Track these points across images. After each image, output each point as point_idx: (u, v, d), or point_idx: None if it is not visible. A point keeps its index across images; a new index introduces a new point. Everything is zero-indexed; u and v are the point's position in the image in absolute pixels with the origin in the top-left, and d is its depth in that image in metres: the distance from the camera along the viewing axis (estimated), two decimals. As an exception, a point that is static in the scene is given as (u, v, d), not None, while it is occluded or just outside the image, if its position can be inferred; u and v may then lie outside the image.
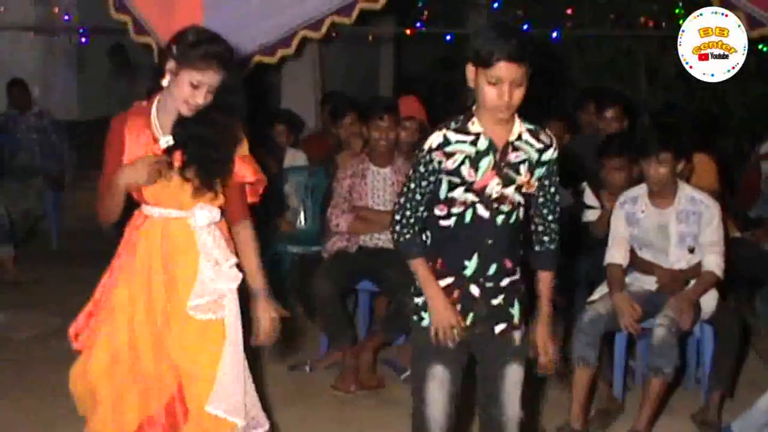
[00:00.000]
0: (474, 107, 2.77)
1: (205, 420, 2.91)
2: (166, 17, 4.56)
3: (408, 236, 2.85)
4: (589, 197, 5.05)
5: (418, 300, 2.90)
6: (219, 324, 2.94)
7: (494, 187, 2.76)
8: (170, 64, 2.81)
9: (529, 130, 2.80)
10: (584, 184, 5.09)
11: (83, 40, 8.50)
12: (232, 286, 2.95)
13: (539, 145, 2.80)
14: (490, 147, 2.75)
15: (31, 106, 7.84)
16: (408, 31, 8.21)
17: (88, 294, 3.14)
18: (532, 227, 2.90)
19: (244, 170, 2.98)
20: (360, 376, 4.64)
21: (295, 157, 6.14)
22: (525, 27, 8.06)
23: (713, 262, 4.16)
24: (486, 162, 2.75)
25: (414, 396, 2.93)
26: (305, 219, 5.97)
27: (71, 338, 3.05)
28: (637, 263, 4.34)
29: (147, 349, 2.94)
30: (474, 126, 2.76)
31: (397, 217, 2.85)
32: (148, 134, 2.91)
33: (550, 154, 2.81)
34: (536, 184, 2.82)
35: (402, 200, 2.85)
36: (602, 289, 4.36)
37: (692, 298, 4.14)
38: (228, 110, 2.88)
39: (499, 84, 2.64)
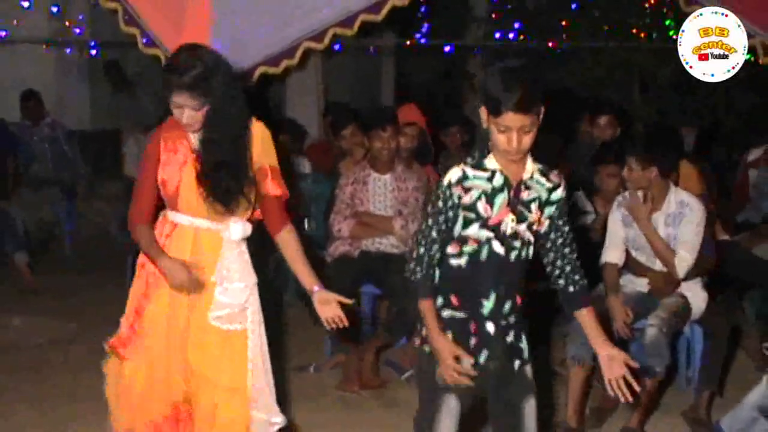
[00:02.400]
0: (490, 143, 2.79)
1: (225, 426, 3.04)
2: (174, 30, 4.61)
3: (419, 275, 2.83)
4: (583, 203, 5.17)
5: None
6: (242, 334, 3.06)
7: (509, 224, 2.79)
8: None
9: (540, 170, 2.83)
10: (579, 191, 5.20)
11: (93, 52, 8.66)
12: (241, 301, 3.04)
13: (549, 185, 2.83)
14: (506, 184, 2.78)
15: (45, 117, 7.96)
16: (408, 43, 8.30)
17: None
18: (557, 271, 2.88)
19: (271, 184, 3.07)
20: (363, 376, 4.75)
21: (299, 165, 6.25)
22: (522, 39, 8.20)
23: (682, 258, 4.22)
24: (501, 198, 2.78)
25: (422, 424, 2.93)
26: (309, 225, 6.09)
27: (115, 348, 3.14)
28: (630, 264, 4.44)
29: (162, 357, 3.06)
30: (490, 163, 2.79)
31: (413, 254, 2.85)
32: (185, 144, 3.01)
33: (559, 194, 2.85)
34: (547, 222, 2.84)
35: (418, 237, 2.84)
36: (596, 292, 4.48)
37: (648, 229, 4.25)
38: (227, 124, 2.95)
39: (507, 131, 2.67)
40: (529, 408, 2.91)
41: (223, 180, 2.97)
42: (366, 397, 4.68)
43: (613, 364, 2.79)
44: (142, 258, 3.13)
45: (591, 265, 4.57)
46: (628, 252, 4.44)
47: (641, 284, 4.42)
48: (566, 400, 4.19)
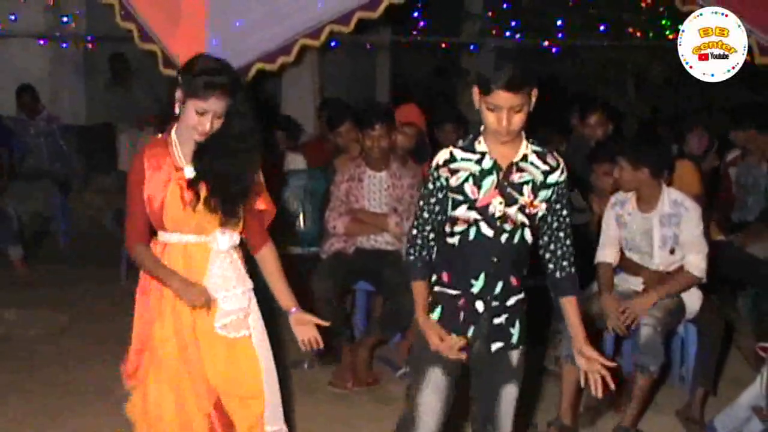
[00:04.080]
0: (482, 127, 2.80)
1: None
2: (171, 26, 4.63)
3: (411, 257, 2.90)
4: (578, 201, 5.17)
5: None
6: (248, 340, 3.05)
7: (497, 206, 2.78)
8: (179, 93, 2.92)
9: (536, 152, 2.81)
10: (574, 190, 5.20)
11: (90, 47, 8.65)
12: (244, 305, 3.04)
13: (545, 167, 2.80)
14: (494, 167, 2.77)
15: (40, 111, 7.97)
16: (404, 40, 8.31)
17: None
18: (548, 255, 2.88)
19: (257, 199, 3.06)
20: (357, 373, 4.76)
21: (294, 161, 6.25)
22: (517, 36, 8.21)
23: (693, 263, 4.24)
24: (489, 181, 2.78)
25: (407, 398, 2.94)
26: (304, 221, 6.08)
27: (125, 377, 3.10)
28: (624, 264, 4.45)
29: (182, 374, 3.02)
30: (480, 145, 2.79)
31: (409, 235, 2.92)
32: (169, 162, 2.98)
33: (556, 177, 2.81)
34: (543, 206, 2.82)
35: (413, 219, 2.91)
36: (591, 289, 4.49)
37: (660, 296, 4.21)
38: (242, 135, 2.95)
39: (497, 110, 2.67)
40: (507, 394, 2.90)
41: (226, 188, 2.96)
42: (359, 392, 4.69)
43: (587, 362, 2.84)
44: (141, 282, 3.10)
45: (586, 264, 4.61)
46: (622, 251, 4.45)
47: (635, 283, 4.43)
48: (560, 398, 4.18)
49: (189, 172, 2.98)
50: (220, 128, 2.92)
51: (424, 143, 5.66)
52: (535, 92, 2.71)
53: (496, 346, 2.88)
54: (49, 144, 7.91)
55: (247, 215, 3.07)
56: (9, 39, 8.46)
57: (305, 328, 3.09)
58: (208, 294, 2.95)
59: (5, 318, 5.73)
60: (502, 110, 2.66)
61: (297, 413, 4.24)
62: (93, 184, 8.61)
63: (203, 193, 2.96)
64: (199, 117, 2.89)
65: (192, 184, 2.97)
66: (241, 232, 3.09)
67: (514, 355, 2.91)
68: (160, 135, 3.05)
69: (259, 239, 3.13)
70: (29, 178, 7.68)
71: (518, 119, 2.69)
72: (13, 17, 8.33)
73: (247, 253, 3.17)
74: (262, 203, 3.09)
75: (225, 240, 3.02)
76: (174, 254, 3.03)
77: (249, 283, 3.10)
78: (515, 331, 2.90)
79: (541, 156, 2.82)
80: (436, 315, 2.89)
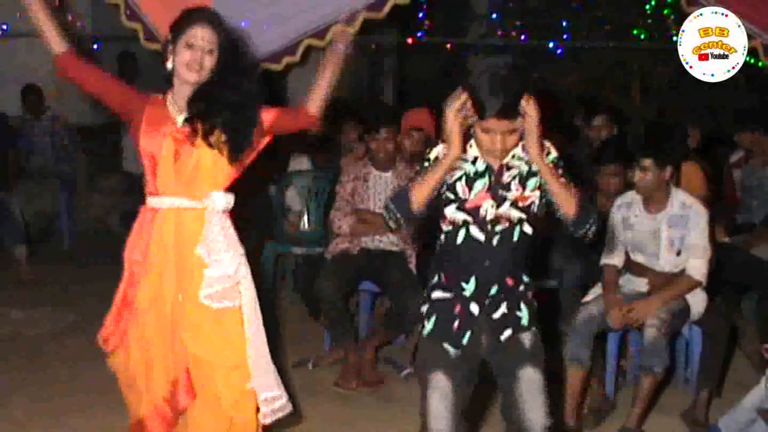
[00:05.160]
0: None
1: (230, 405, 3.00)
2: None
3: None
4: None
5: (423, 308, 2.94)
6: (236, 311, 3.01)
7: (488, 209, 2.81)
8: (170, 47, 2.96)
9: (522, 146, 2.82)
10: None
11: (95, 46, 8.64)
12: (230, 272, 2.98)
13: (527, 157, 2.81)
14: (487, 170, 2.82)
15: (46, 111, 7.99)
16: (410, 41, 8.30)
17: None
18: None
19: (276, 114, 3.04)
20: (361, 373, 4.76)
21: (299, 162, 6.25)
22: (522, 38, 8.20)
23: (694, 267, 4.23)
24: (481, 183, 2.82)
25: (421, 406, 2.93)
26: (309, 221, 6.09)
27: (102, 343, 3.10)
28: (630, 265, 4.45)
29: (153, 337, 3.00)
30: (472, 149, 2.83)
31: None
32: (167, 122, 2.98)
33: None
34: (536, 194, 2.81)
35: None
36: (595, 291, 4.47)
37: (664, 300, 4.20)
38: (237, 70, 2.97)
39: (491, 133, 2.73)
40: (526, 378, 2.84)
41: (232, 118, 2.95)
42: (363, 393, 4.68)
43: None
44: (126, 251, 3.09)
45: (591, 265, 4.60)
46: (627, 253, 4.44)
47: (641, 284, 4.41)
48: (563, 399, 4.17)
49: (180, 120, 2.99)
50: (214, 75, 2.94)
51: (431, 149, 5.64)
52: (532, 103, 2.70)
53: (506, 334, 2.88)
54: (54, 144, 7.92)
55: (284, 118, 3.06)
56: (14, 38, 8.46)
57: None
58: None
59: (10, 317, 5.75)
60: (495, 133, 2.73)
61: (300, 412, 4.25)
62: (98, 183, 8.62)
63: (200, 130, 2.95)
64: (191, 51, 2.92)
65: (187, 121, 2.97)
66: (295, 120, 3.10)
67: (526, 338, 2.90)
68: (161, 96, 3.05)
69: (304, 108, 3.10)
70: (35, 178, 7.69)
71: (512, 140, 2.75)
72: (18, 16, 8.32)
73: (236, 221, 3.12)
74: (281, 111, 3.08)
75: (221, 198, 3.00)
76: (166, 223, 2.99)
77: (240, 250, 3.05)
78: (523, 314, 2.89)
79: (524, 148, 2.83)
80: (430, 325, 2.91)
